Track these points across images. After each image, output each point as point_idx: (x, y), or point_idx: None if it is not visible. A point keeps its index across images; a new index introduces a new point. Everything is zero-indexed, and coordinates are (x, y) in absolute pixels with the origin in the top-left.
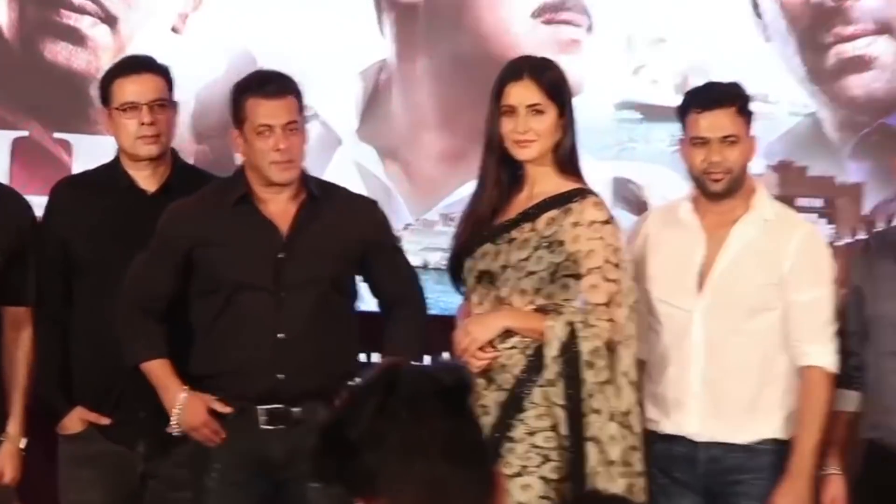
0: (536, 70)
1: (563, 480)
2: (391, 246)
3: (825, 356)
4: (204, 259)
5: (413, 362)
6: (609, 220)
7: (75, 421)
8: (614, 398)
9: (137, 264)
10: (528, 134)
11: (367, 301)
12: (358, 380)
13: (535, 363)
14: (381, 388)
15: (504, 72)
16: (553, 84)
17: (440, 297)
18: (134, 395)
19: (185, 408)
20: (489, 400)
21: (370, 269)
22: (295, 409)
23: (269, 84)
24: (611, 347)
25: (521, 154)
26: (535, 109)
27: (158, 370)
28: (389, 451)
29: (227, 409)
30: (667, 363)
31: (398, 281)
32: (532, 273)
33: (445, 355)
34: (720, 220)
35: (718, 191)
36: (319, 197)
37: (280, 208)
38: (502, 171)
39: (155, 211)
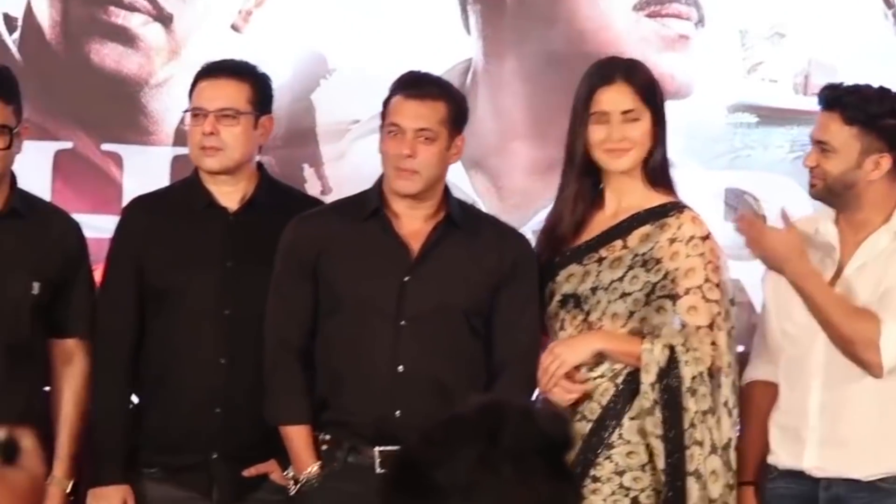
0: (629, 72)
1: None
2: (525, 293)
3: None
4: (327, 273)
5: (516, 405)
6: (708, 236)
7: (110, 498)
8: (716, 429)
9: (271, 295)
10: (624, 142)
11: None
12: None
13: (627, 392)
14: (484, 434)
15: (592, 75)
16: (648, 87)
17: None
18: (206, 435)
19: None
20: (590, 411)
21: (492, 312)
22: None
23: (414, 84)
24: (712, 373)
25: (614, 164)
26: (631, 116)
27: (296, 438)
28: None
29: None
30: (789, 389)
31: (513, 342)
32: (626, 294)
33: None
34: (855, 234)
35: (811, 195)
36: (459, 219)
37: (415, 227)
38: (586, 183)
39: (236, 231)
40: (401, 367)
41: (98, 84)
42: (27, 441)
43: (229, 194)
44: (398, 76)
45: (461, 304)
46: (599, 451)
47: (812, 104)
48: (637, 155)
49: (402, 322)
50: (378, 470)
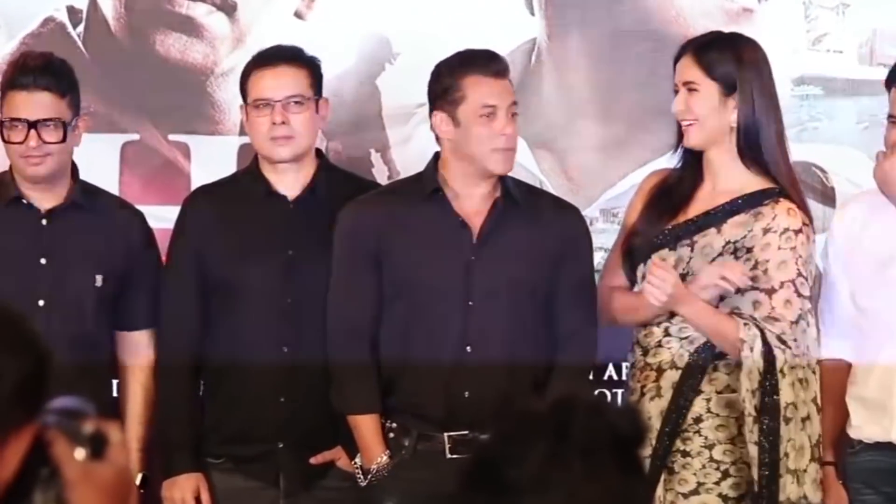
0: (700, 44)
1: (741, 499)
2: (581, 270)
3: None
4: (391, 257)
5: (586, 400)
6: (801, 229)
7: (184, 487)
8: (811, 427)
9: (334, 282)
10: (687, 114)
11: None
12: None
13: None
14: (554, 430)
15: None
16: (717, 60)
17: None
18: (271, 425)
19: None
20: (665, 380)
21: (551, 288)
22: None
23: (493, 61)
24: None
25: (685, 138)
26: (690, 87)
27: (365, 428)
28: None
29: None
30: (873, 363)
31: (570, 319)
32: None
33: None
34: None
35: None
36: (517, 195)
37: (474, 206)
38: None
39: (296, 218)
40: (469, 348)
41: (163, 75)
42: (115, 434)
43: (290, 182)
44: (450, 56)
45: (526, 280)
46: (692, 397)
47: (878, 74)
48: (704, 130)
49: (470, 302)
50: (448, 455)
